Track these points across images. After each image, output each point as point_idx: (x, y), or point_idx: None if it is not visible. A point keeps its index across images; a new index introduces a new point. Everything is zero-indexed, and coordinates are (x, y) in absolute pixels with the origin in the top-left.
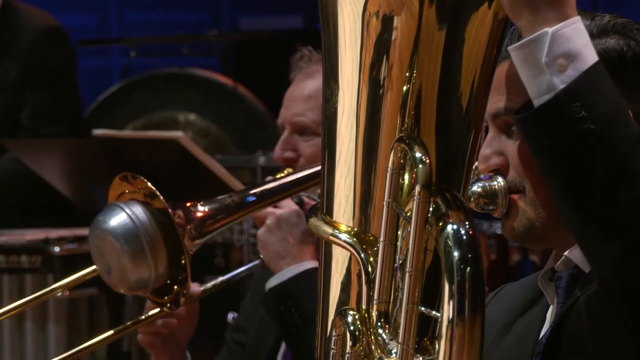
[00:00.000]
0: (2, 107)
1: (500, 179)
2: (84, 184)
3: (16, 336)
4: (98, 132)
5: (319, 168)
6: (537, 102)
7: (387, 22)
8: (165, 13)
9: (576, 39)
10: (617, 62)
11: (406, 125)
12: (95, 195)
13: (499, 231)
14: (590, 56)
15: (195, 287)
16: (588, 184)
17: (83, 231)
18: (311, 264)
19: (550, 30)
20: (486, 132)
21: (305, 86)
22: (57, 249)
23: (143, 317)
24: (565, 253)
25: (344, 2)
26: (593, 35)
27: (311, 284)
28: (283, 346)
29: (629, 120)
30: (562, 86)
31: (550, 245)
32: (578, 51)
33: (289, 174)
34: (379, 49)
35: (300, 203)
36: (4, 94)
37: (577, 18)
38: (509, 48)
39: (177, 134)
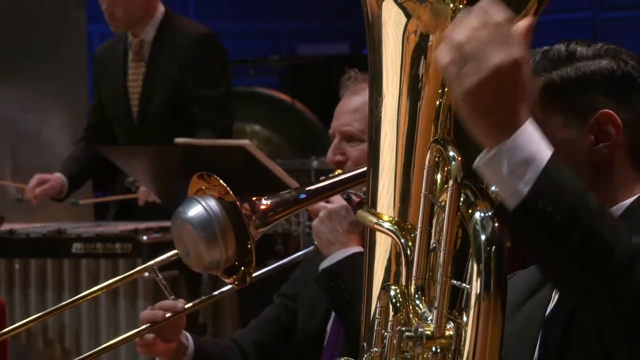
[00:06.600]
0: (164, 97)
1: None
2: (167, 184)
3: (111, 310)
4: (179, 140)
5: (363, 169)
6: (511, 205)
7: (423, 42)
8: (234, 41)
9: (529, 144)
10: (608, 80)
11: (439, 130)
12: (177, 193)
13: None
14: (544, 154)
15: (180, 304)
16: (569, 266)
17: (166, 223)
18: (357, 249)
19: (505, 143)
20: None
21: (352, 101)
22: (145, 237)
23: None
24: None
25: (388, 24)
26: (588, 58)
27: (357, 266)
28: (332, 316)
29: (589, 195)
30: (527, 189)
31: None
32: (533, 154)
33: (339, 175)
34: (416, 67)
35: (348, 199)
36: (166, 87)
37: (527, 123)
38: (475, 166)
39: (245, 141)
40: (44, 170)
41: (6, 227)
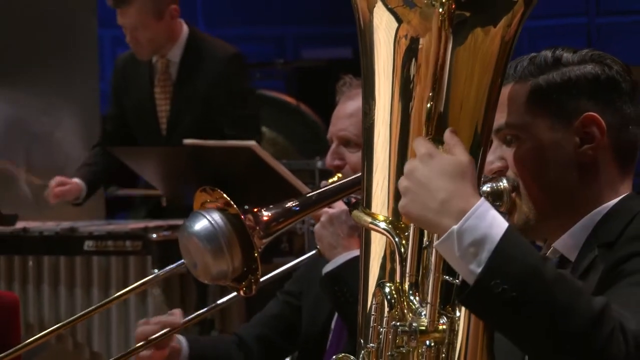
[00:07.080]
0: (192, 117)
1: (505, 181)
2: (176, 184)
3: (122, 307)
4: (187, 141)
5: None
6: (468, 284)
7: (413, 45)
8: (240, 45)
9: (479, 226)
10: (593, 84)
11: (431, 131)
12: (185, 192)
13: None
14: (497, 232)
15: (177, 319)
16: (528, 337)
17: (176, 221)
18: (357, 252)
19: (454, 229)
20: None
21: (348, 107)
22: (154, 235)
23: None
24: (553, 244)
25: (380, 29)
26: (573, 63)
27: (358, 269)
28: (335, 316)
29: (545, 265)
30: (478, 270)
31: (545, 235)
32: (484, 236)
33: (339, 179)
34: (408, 70)
35: (349, 203)
36: (194, 106)
37: (477, 204)
38: (434, 246)
39: (251, 142)
40: (56, 171)
41: (20, 225)
